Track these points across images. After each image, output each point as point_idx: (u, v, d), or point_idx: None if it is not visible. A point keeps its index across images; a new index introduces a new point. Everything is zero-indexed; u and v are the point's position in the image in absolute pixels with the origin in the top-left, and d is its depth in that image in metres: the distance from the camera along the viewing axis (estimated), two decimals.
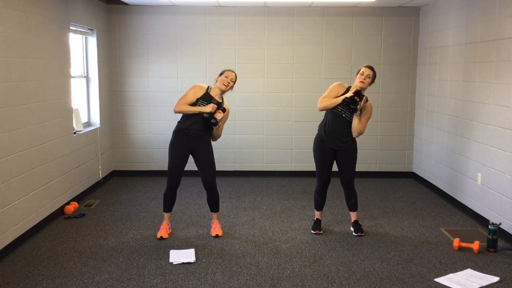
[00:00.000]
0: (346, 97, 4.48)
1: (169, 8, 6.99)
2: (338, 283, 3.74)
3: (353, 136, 4.65)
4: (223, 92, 4.61)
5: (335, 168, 4.80)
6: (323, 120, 4.76)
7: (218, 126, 4.51)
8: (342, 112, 4.60)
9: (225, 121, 4.68)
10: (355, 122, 4.57)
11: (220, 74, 4.59)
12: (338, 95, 4.62)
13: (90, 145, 6.35)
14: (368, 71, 4.56)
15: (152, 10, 7.02)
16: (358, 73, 4.61)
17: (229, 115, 7.09)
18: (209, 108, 4.44)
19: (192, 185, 6.68)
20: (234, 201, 6.03)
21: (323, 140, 4.70)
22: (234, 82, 4.61)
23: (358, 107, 4.49)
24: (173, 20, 7.04)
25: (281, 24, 7.06)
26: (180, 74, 7.11)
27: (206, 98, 4.54)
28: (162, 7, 6.98)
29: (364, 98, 4.50)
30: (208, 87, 4.63)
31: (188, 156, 4.65)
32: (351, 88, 4.63)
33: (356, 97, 4.47)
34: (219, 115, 4.45)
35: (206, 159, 4.63)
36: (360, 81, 4.55)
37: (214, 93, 4.59)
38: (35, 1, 4.80)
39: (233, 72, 4.62)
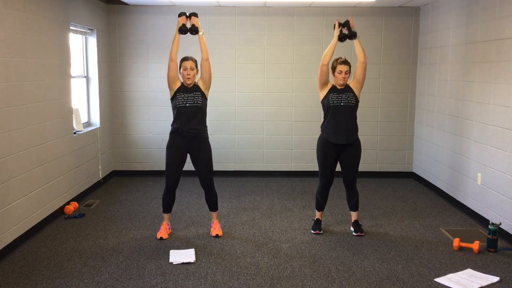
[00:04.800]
0: (339, 35, 4.62)
1: (169, 8, 6.99)
2: (338, 283, 3.74)
3: (363, 61, 4.58)
4: (192, 81, 4.57)
5: (337, 168, 4.81)
6: (324, 120, 4.74)
7: (201, 33, 4.51)
8: (340, 100, 4.58)
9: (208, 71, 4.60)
10: (357, 45, 4.59)
11: (179, 67, 4.57)
12: (327, 86, 4.67)
13: (90, 145, 6.35)
14: (345, 68, 4.59)
15: (152, 10, 7.02)
16: (334, 70, 4.62)
17: (229, 114, 7.15)
18: (181, 21, 4.49)
19: (192, 185, 6.68)
20: (234, 201, 6.03)
21: (327, 140, 4.68)
22: (196, 67, 4.55)
23: (352, 30, 4.59)
24: (173, 20, 7.01)
25: (281, 24, 7.06)
26: None
27: (182, 89, 4.53)
28: (162, 7, 6.98)
29: (349, 21, 4.62)
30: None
31: (186, 156, 4.65)
32: (331, 86, 4.68)
33: (343, 28, 4.62)
34: (194, 20, 4.50)
35: (202, 158, 4.62)
36: (342, 79, 4.59)
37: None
38: (35, 1, 4.80)
39: (188, 59, 4.54)
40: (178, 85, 4.57)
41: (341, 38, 4.64)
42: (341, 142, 4.62)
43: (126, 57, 7.11)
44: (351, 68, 4.68)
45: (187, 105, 4.49)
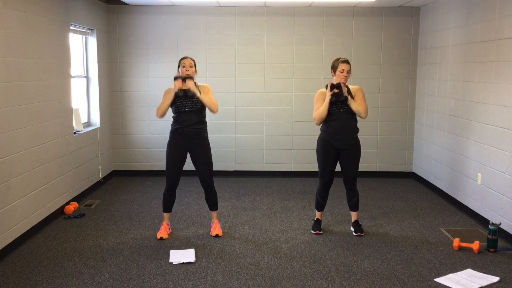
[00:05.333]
0: (331, 96, 4.54)
1: (169, 8, 6.99)
2: (338, 283, 3.74)
3: (363, 118, 4.64)
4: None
5: (337, 168, 4.81)
6: (325, 122, 4.74)
7: (198, 94, 4.47)
8: (340, 107, 4.60)
9: (210, 93, 4.62)
10: (354, 105, 4.57)
11: (178, 66, 4.58)
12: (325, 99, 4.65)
13: (90, 145, 6.35)
14: (347, 67, 4.59)
15: (152, 10, 7.02)
16: (334, 69, 4.62)
17: (229, 114, 7.15)
18: (177, 85, 4.46)
19: (192, 185, 6.68)
20: (234, 201, 6.03)
21: (327, 140, 4.69)
22: (194, 66, 4.58)
23: (344, 95, 4.53)
24: (173, 20, 7.04)
25: (281, 24, 7.06)
26: None
27: (178, 93, 4.54)
28: (162, 7, 6.98)
29: (342, 85, 4.55)
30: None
31: (186, 156, 4.66)
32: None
33: (337, 90, 4.53)
34: (189, 83, 4.44)
35: (202, 156, 4.63)
36: (343, 79, 4.59)
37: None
38: (35, 1, 4.80)
39: (187, 57, 4.58)
40: (173, 94, 4.56)
41: (333, 102, 4.58)
42: (341, 147, 4.66)
43: (126, 57, 7.11)
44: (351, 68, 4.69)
45: (186, 109, 4.53)
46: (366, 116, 4.66)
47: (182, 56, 4.68)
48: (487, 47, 5.05)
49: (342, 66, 4.58)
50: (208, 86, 4.71)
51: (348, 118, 4.63)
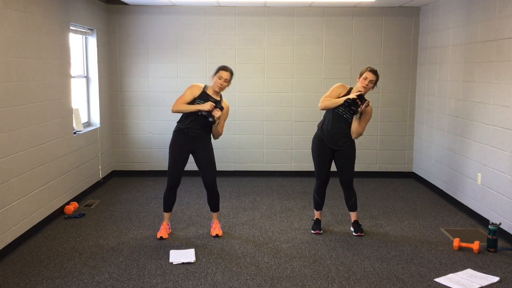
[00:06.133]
0: (349, 98, 4.46)
1: (169, 8, 6.99)
2: (338, 283, 3.74)
3: (352, 138, 4.66)
4: (221, 91, 4.59)
5: (334, 167, 4.81)
6: (322, 120, 4.78)
7: (216, 124, 4.47)
8: (343, 113, 4.60)
9: (225, 119, 4.65)
10: (355, 124, 4.58)
11: (215, 73, 4.54)
12: (340, 96, 4.62)
13: (90, 145, 6.35)
14: (372, 77, 4.51)
15: (152, 10, 7.02)
16: (360, 75, 4.57)
17: (230, 114, 7.13)
18: (207, 106, 4.39)
19: (192, 185, 6.68)
20: (234, 201, 6.03)
21: (321, 139, 4.70)
22: (230, 81, 4.55)
23: (359, 109, 4.48)
24: (173, 20, 7.04)
25: (281, 24, 7.06)
26: (180, 74, 7.11)
27: (203, 97, 4.52)
28: (162, 7, 6.98)
29: (366, 102, 4.49)
30: (205, 86, 4.61)
31: (188, 156, 4.65)
32: (352, 90, 4.62)
33: (358, 100, 4.46)
34: (217, 113, 4.41)
35: (206, 158, 4.63)
36: (363, 86, 4.53)
37: (211, 92, 4.58)
38: (35, 1, 4.80)
39: (227, 70, 4.52)
40: (196, 94, 4.52)
41: (349, 103, 4.46)
42: (335, 148, 4.68)
43: (126, 57, 7.11)
44: (377, 82, 4.59)
45: (202, 113, 4.46)
46: (356, 138, 4.66)
47: (223, 65, 4.58)
48: (487, 47, 5.05)
49: (366, 74, 4.52)
50: (229, 107, 4.68)
51: (347, 124, 4.63)
